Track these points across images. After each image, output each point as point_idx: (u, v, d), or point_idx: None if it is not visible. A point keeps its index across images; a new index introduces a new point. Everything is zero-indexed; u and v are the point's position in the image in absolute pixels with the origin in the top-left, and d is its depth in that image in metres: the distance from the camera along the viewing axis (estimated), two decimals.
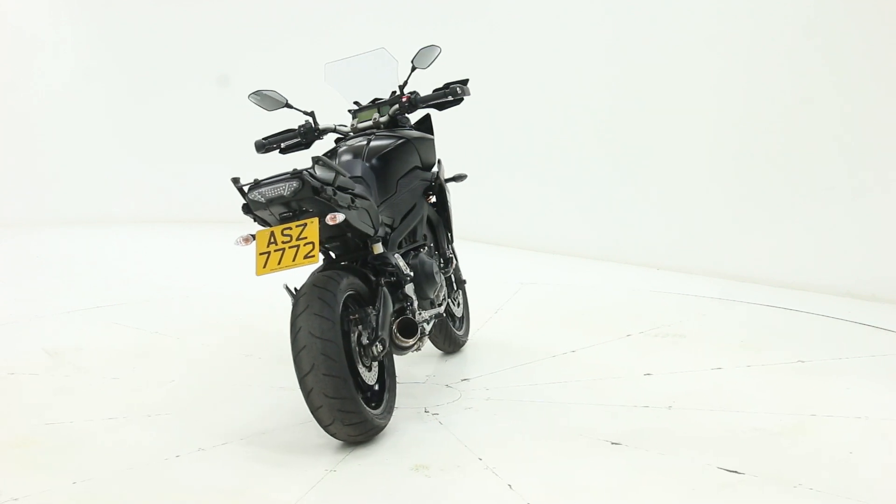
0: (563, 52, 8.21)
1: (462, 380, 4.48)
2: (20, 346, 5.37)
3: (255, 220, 3.63)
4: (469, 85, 4.47)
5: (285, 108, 4.49)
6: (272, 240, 3.46)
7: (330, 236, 3.78)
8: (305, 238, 3.43)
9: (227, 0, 11.14)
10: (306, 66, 10.11)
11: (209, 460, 3.50)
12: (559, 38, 8.22)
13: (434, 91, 4.45)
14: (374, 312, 3.74)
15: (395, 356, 4.12)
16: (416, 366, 4.74)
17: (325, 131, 4.48)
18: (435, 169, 4.69)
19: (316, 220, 3.45)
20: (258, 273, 3.45)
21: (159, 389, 4.46)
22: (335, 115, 4.64)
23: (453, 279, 4.87)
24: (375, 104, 4.58)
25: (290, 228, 3.45)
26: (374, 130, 4.44)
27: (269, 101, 4.47)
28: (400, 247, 4.21)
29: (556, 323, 5.59)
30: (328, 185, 3.53)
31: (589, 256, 7.89)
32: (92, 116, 11.38)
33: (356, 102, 4.66)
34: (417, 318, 4.03)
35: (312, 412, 3.44)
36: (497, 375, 4.55)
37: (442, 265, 4.60)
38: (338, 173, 3.58)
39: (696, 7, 7.27)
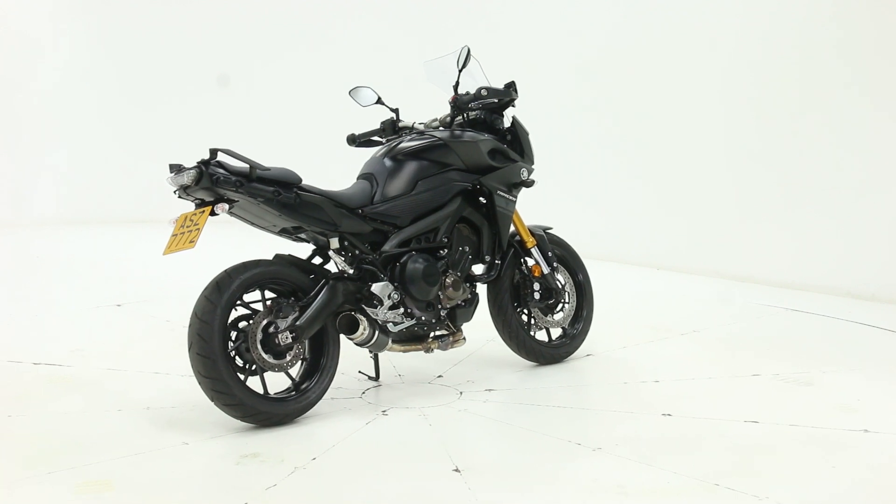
0: (564, 50, 8.34)
1: (486, 389, 4.30)
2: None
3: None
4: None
5: (376, 105, 4.64)
6: (183, 223, 3.74)
7: (295, 226, 3.94)
8: (197, 225, 3.66)
9: (227, 2, 11.08)
10: (307, 66, 10.51)
11: (112, 419, 3.83)
12: (561, 35, 8.36)
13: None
14: (300, 303, 3.83)
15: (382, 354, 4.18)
16: (479, 369, 4.64)
17: (405, 129, 4.57)
18: (522, 170, 4.54)
19: (209, 208, 3.67)
20: (164, 252, 3.75)
21: None
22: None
23: (536, 289, 4.62)
24: None
25: (195, 214, 3.70)
26: (424, 130, 4.45)
27: (364, 96, 4.65)
28: (405, 245, 4.17)
29: (710, 351, 5.02)
30: (240, 176, 3.70)
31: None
32: (92, 116, 11.34)
33: None
34: (383, 317, 4.01)
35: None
36: (525, 391, 4.30)
37: (483, 271, 4.43)
38: (252, 166, 3.73)
39: (700, 7, 7.47)
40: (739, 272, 7.16)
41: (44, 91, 11.16)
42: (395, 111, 4.58)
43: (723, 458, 3.40)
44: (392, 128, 4.56)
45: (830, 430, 3.66)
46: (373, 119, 4.77)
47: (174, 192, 3.81)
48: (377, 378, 4.44)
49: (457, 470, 3.27)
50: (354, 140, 4.64)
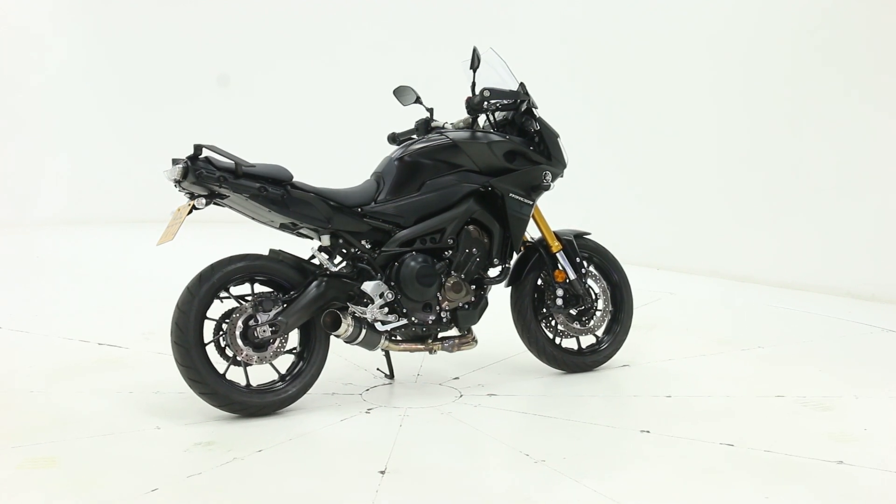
0: (561, 50, 8.42)
1: (488, 394, 4.26)
2: None
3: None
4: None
5: (414, 104, 4.67)
6: (176, 215, 3.92)
7: (292, 222, 4.04)
8: (181, 218, 3.83)
9: (227, 2, 10.85)
10: (307, 66, 10.51)
11: (115, 400, 4.09)
12: (560, 36, 8.46)
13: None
14: (285, 298, 3.92)
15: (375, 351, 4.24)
16: (501, 374, 4.61)
17: (436, 129, 4.58)
18: (545, 174, 4.46)
19: (192, 203, 3.82)
20: (157, 243, 3.94)
21: None
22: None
23: (559, 294, 4.51)
24: None
25: (183, 208, 3.87)
26: (443, 130, 4.45)
27: (405, 95, 4.69)
28: (409, 244, 4.18)
29: (756, 368, 4.74)
30: (227, 172, 3.82)
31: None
32: (93, 116, 11.18)
33: None
34: (371, 315, 4.04)
35: None
36: (525, 399, 4.26)
37: (493, 273, 4.39)
38: (237, 163, 3.84)
39: (696, 7, 7.54)
40: (739, 272, 7.21)
41: (44, 91, 11.30)
42: (430, 111, 4.60)
43: (661, 480, 3.23)
44: (424, 127, 4.58)
45: (804, 459, 3.40)
46: (394, 118, 4.82)
47: (173, 186, 3.99)
48: (392, 376, 4.48)
49: (382, 472, 3.28)
50: (395, 139, 4.69)
